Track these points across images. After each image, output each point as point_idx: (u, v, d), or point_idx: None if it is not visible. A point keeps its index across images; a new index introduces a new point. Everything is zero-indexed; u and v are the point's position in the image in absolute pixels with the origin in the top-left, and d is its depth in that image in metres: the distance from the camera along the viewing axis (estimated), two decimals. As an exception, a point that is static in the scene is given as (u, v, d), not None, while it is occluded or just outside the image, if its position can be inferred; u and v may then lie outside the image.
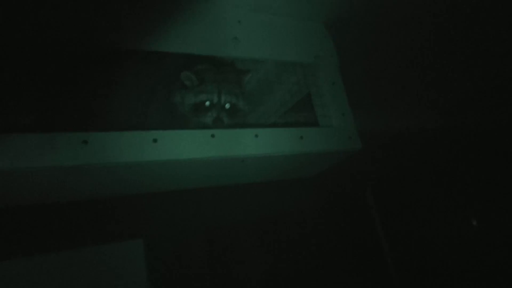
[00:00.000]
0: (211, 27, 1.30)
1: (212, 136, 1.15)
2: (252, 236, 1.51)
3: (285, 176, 1.74)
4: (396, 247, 1.58)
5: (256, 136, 1.22)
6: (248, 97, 1.46)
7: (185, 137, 1.11)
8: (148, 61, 1.35)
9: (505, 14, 1.28)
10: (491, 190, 1.34)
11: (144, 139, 1.05)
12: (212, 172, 1.34)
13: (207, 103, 1.31)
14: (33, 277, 1.08)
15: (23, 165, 0.90)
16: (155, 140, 1.06)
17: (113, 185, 1.22)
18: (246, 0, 1.36)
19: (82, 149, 0.97)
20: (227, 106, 1.33)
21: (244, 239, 1.47)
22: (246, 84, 1.43)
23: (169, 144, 1.07)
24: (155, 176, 1.23)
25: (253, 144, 1.21)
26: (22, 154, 0.91)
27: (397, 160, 1.54)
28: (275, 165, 1.45)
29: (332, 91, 1.47)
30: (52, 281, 1.10)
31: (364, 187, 1.75)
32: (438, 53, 1.44)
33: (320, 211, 1.66)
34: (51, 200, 1.20)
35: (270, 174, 1.64)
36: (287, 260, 1.52)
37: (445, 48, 1.43)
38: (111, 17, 1.12)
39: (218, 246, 1.39)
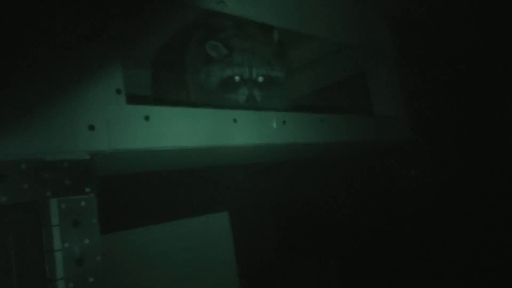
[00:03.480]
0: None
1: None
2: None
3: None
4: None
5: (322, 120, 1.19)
6: (282, 56, 1.24)
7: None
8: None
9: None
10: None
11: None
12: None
13: (237, 78, 1.09)
14: (128, 250, 1.04)
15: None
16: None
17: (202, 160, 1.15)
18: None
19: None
20: (260, 79, 1.12)
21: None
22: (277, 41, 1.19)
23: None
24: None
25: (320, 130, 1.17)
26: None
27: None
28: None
29: (389, 80, 1.54)
30: (144, 254, 1.07)
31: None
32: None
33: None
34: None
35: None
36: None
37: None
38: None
39: (290, 217, 1.41)
